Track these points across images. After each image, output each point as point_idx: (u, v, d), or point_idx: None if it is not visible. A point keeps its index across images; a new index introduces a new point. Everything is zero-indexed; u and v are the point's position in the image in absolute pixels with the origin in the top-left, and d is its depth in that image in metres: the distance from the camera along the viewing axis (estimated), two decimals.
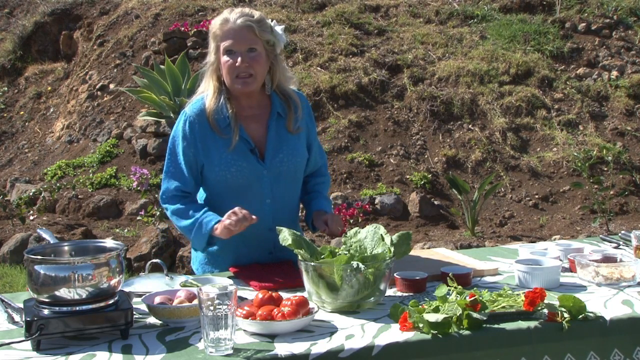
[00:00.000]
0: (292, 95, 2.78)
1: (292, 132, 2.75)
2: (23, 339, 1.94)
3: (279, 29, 2.72)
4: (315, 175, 2.95)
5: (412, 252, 2.66)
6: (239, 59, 2.61)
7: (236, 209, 2.54)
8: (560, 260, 2.63)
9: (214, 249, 2.77)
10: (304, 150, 2.80)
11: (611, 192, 7.00)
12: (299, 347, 1.91)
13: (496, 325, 2.04)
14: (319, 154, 2.93)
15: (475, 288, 2.21)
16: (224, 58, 2.64)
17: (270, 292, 2.13)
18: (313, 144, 2.85)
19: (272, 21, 2.74)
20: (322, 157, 2.98)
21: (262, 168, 2.70)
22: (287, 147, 2.73)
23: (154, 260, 2.54)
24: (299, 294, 2.16)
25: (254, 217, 2.53)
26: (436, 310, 2.02)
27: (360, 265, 2.15)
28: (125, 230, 6.69)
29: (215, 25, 2.68)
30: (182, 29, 9.09)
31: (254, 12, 2.67)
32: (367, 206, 6.66)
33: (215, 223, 2.59)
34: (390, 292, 2.39)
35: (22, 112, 10.61)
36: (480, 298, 2.06)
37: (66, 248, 2.15)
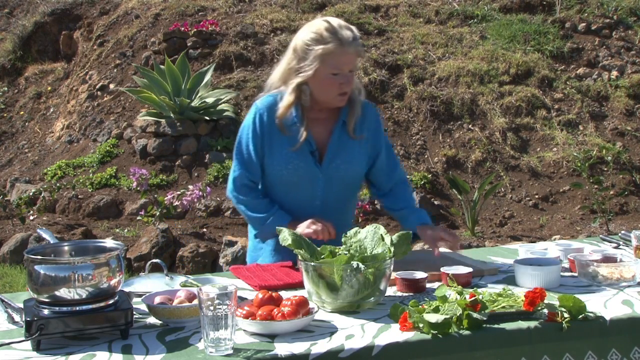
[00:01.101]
0: (354, 100, 2.83)
1: (353, 137, 2.80)
2: (23, 339, 1.94)
3: None
4: (399, 184, 2.98)
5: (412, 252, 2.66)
6: (344, 80, 2.70)
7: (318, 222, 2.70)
8: (560, 260, 2.63)
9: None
10: (363, 160, 2.86)
11: (611, 192, 7.00)
12: (299, 347, 1.91)
13: (496, 325, 2.04)
14: (393, 166, 2.95)
15: (475, 288, 2.21)
16: (330, 76, 2.70)
17: (270, 292, 2.13)
18: (381, 154, 2.89)
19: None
20: (400, 172, 2.99)
21: (318, 171, 2.79)
22: (345, 153, 2.81)
23: (154, 260, 2.54)
24: (299, 294, 2.16)
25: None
26: (436, 310, 2.02)
27: (360, 265, 2.15)
28: (125, 230, 6.69)
29: (327, 44, 2.67)
30: (182, 29, 9.08)
31: (357, 33, 2.74)
32: (367, 206, 6.66)
33: (291, 220, 2.73)
34: (390, 292, 2.39)
35: (22, 112, 10.61)
36: (480, 298, 2.06)
37: (66, 248, 2.15)
